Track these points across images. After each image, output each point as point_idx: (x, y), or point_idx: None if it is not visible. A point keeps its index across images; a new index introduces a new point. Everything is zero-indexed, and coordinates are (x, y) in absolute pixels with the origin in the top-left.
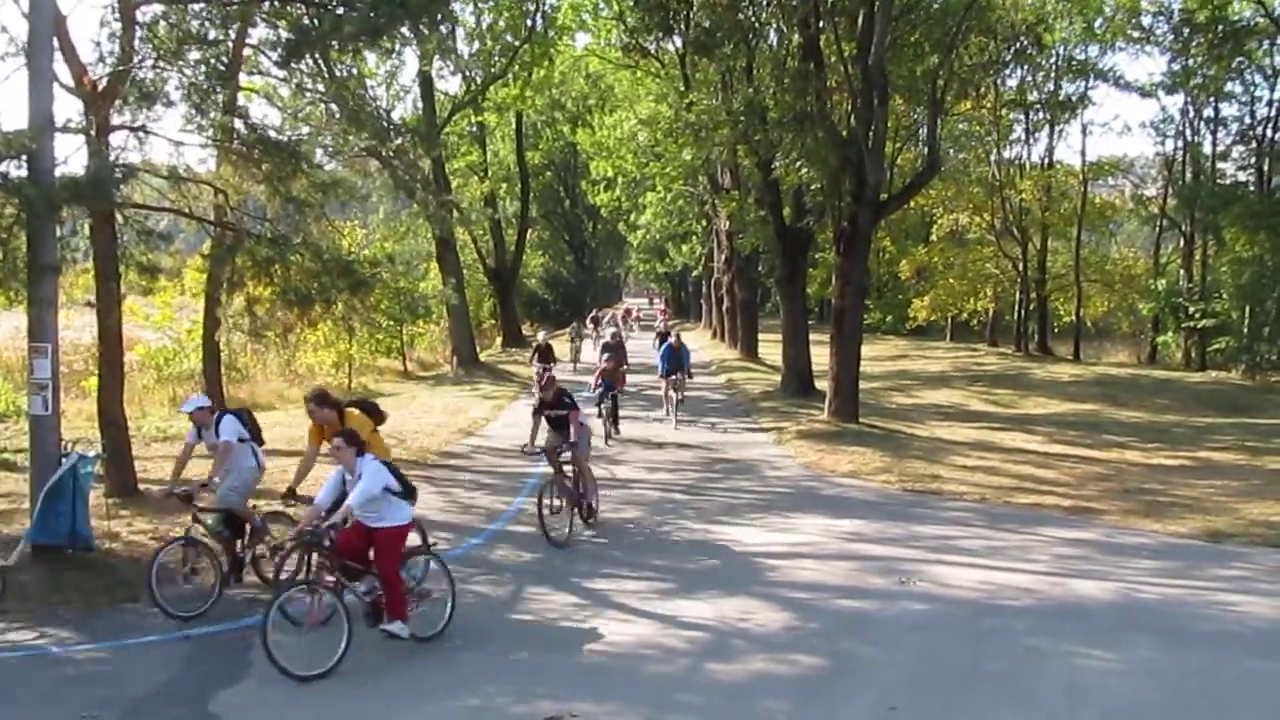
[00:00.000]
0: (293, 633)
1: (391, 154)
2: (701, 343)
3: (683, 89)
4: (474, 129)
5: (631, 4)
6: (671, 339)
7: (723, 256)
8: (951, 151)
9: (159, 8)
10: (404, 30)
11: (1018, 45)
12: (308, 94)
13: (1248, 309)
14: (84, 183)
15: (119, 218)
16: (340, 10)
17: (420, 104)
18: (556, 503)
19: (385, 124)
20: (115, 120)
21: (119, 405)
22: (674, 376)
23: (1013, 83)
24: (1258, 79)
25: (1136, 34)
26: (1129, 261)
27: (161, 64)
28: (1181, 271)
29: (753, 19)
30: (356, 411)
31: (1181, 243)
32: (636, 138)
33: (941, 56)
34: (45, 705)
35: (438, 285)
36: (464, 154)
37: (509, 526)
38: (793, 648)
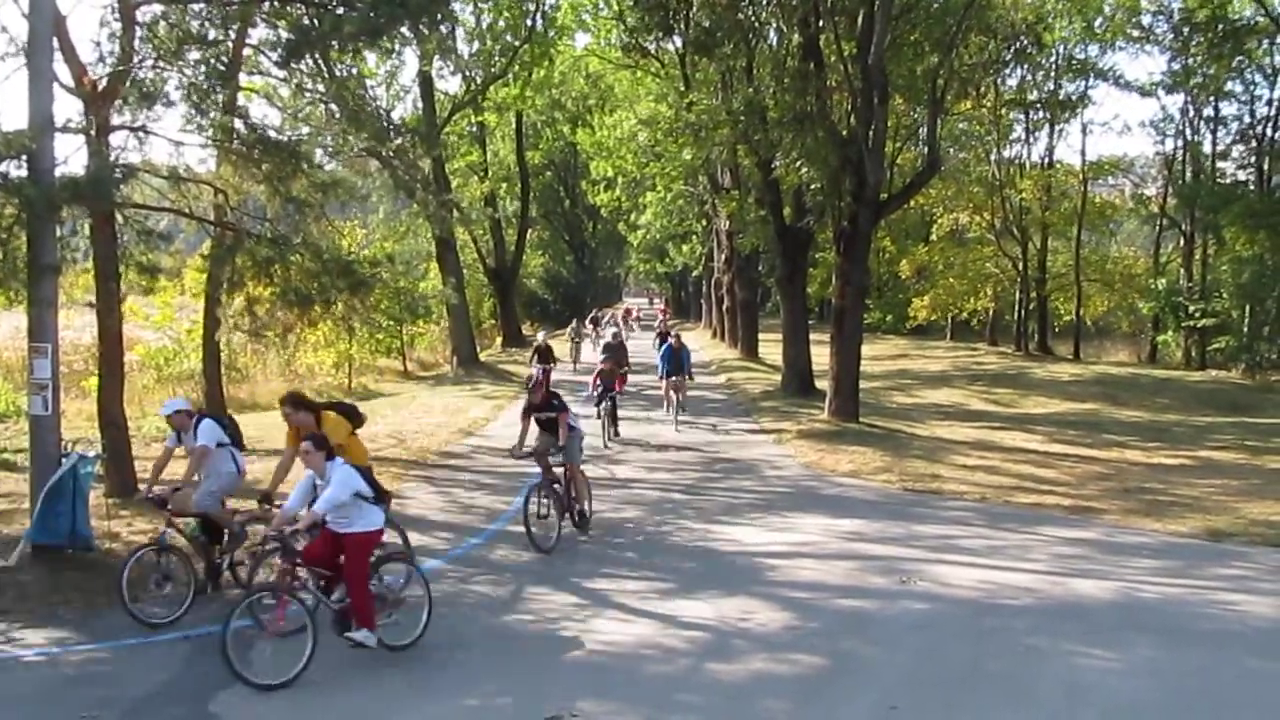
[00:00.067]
0: (255, 641)
1: (391, 154)
2: (701, 342)
3: (683, 89)
4: (474, 129)
5: (631, 4)
6: (671, 339)
7: (723, 256)
8: (951, 151)
9: (159, 8)
10: (404, 30)
11: (1017, 44)
12: (308, 94)
13: (1248, 308)
14: (84, 183)
15: (119, 218)
16: (340, 10)
17: (420, 104)
18: (545, 507)
19: (385, 124)
20: (115, 120)
21: (119, 405)
22: (674, 378)
23: (1013, 82)
24: (1258, 78)
25: (1136, 33)
26: (1129, 261)
27: (161, 64)
28: (1181, 271)
29: (752, 18)
30: (333, 414)
31: (1181, 242)
32: (636, 138)
33: (941, 56)
34: (45, 705)
35: (438, 285)
36: (464, 154)
37: (509, 526)
38: (793, 647)
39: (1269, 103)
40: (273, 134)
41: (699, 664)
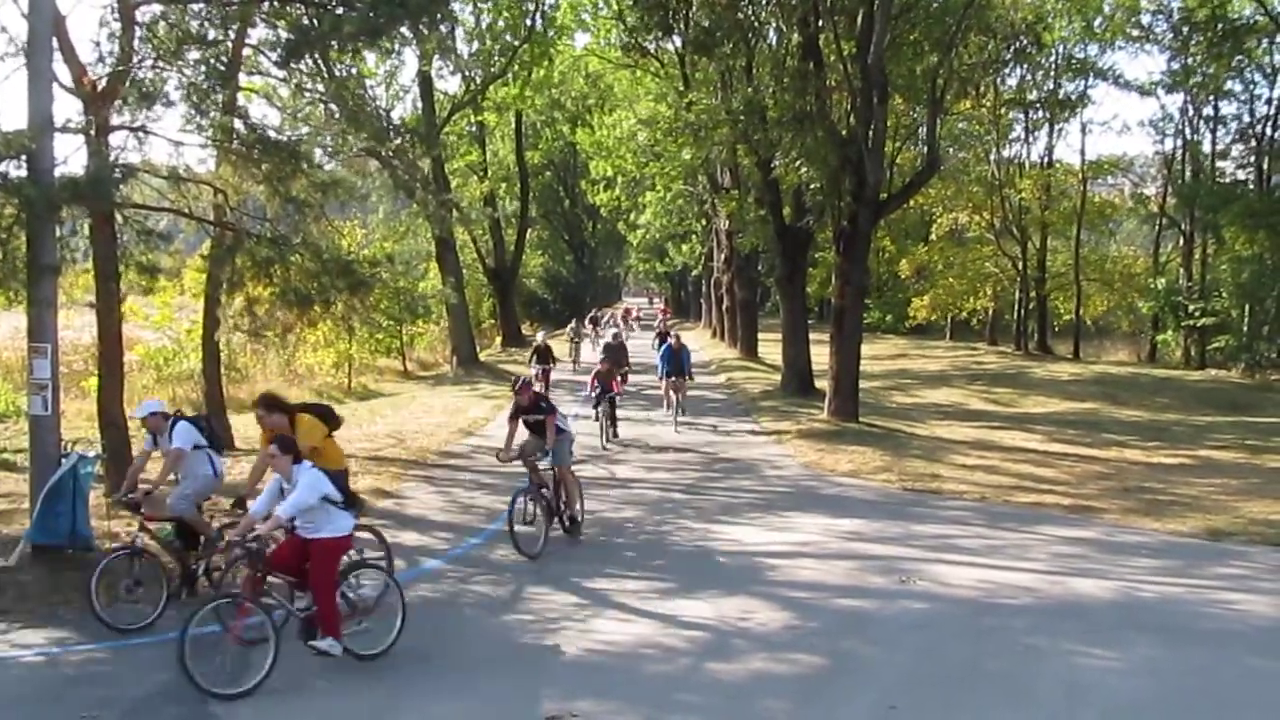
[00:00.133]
0: (216, 648)
1: (391, 154)
2: (701, 342)
3: (682, 88)
4: (473, 129)
5: (631, 3)
6: (671, 340)
7: (722, 256)
8: (951, 150)
9: (158, 8)
10: (404, 30)
11: (1017, 44)
12: (307, 94)
13: (1247, 307)
14: (84, 183)
15: (119, 218)
16: (340, 10)
17: (420, 104)
18: (531, 511)
19: (385, 124)
20: (115, 120)
21: (119, 405)
22: (674, 379)
23: (1012, 81)
24: (1257, 77)
25: (1136, 32)
26: (1128, 260)
27: (161, 64)
28: (1181, 270)
29: (752, 18)
30: (308, 416)
31: (1181, 241)
32: (636, 137)
33: (941, 55)
34: (45, 705)
35: (437, 285)
36: (464, 154)
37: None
38: (793, 647)
39: (1268, 102)
40: (272, 134)
41: (699, 664)
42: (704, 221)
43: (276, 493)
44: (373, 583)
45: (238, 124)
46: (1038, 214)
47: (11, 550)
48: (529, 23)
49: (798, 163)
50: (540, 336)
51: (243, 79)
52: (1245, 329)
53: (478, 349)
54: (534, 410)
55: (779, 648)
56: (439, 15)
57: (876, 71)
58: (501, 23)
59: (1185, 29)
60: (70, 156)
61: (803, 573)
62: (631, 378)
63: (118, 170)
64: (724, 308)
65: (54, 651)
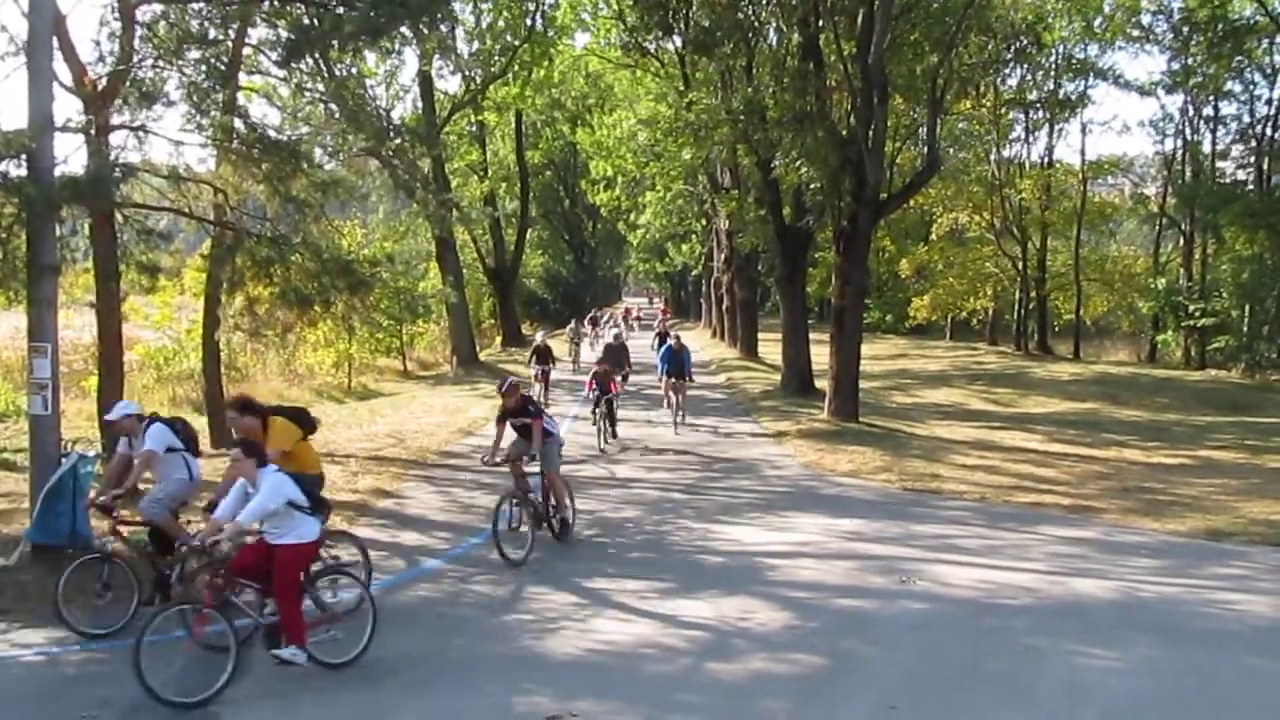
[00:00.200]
0: (172, 656)
1: (391, 153)
2: (701, 342)
3: (682, 88)
4: (474, 128)
5: (631, 3)
6: (671, 340)
7: (722, 256)
8: (951, 150)
9: (159, 7)
10: (404, 30)
11: (1017, 44)
12: (307, 93)
13: (1247, 307)
14: (84, 182)
15: (119, 217)
16: (340, 10)
17: (420, 103)
18: (516, 517)
19: (385, 124)
20: (115, 120)
21: None
22: (675, 380)
23: (1012, 82)
24: (1257, 78)
25: (1136, 33)
26: (1129, 260)
27: (161, 63)
28: (1181, 270)
29: (752, 18)
30: (281, 419)
31: (1181, 241)
32: (636, 137)
33: (941, 55)
34: (45, 705)
35: (437, 285)
36: (464, 154)
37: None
38: (793, 647)
39: (1268, 102)
40: (272, 133)
41: (699, 663)
42: (704, 221)
43: (242, 496)
44: (342, 590)
45: (238, 123)
46: (1038, 214)
47: (12, 550)
48: (529, 22)
49: (798, 163)
50: (540, 337)
51: (243, 78)
52: (1245, 329)
53: (478, 349)
54: (521, 413)
55: (779, 648)
56: (439, 15)
57: (876, 71)
58: (501, 22)
59: (1185, 29)
60: (70, 156)
61: (803, 573)
62: (632, 378)
63: (118, 170)
64: (724, 308)
65: (54, 651)
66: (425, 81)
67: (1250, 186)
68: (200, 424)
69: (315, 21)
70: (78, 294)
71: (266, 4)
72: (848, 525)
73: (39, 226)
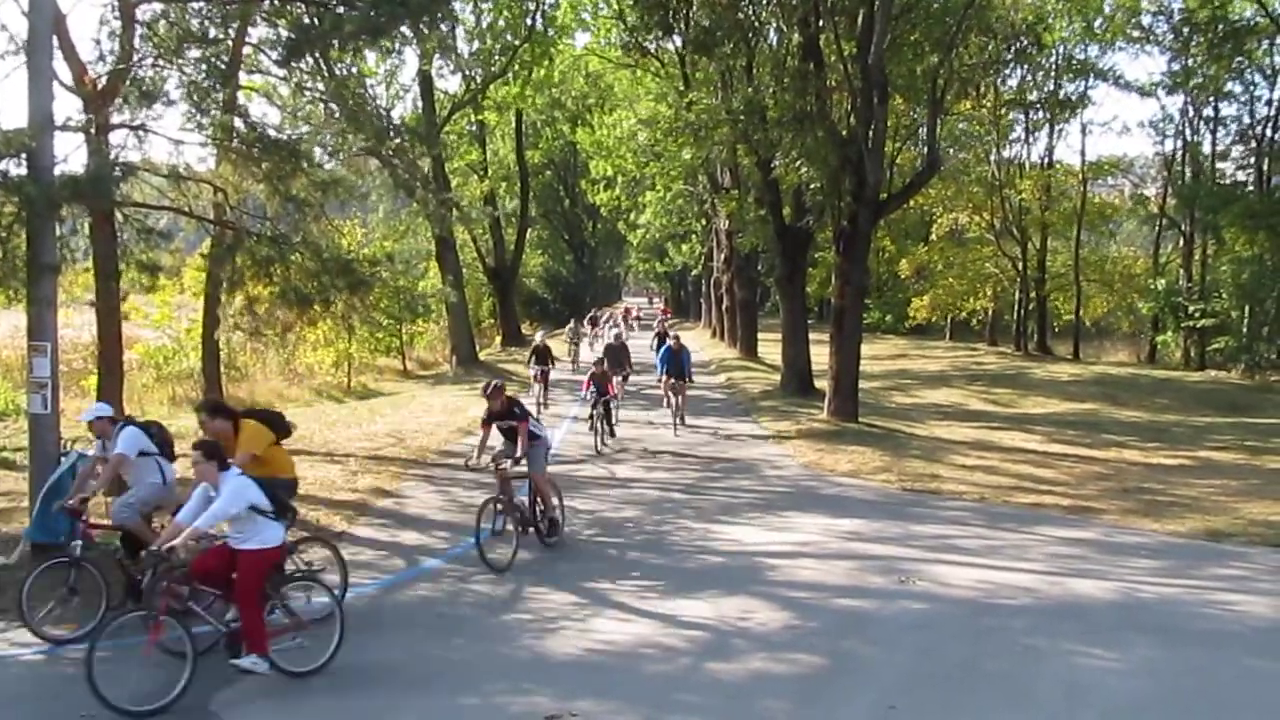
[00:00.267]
0: (127, 663)
1: (391, 153)
2: (701, 342)
3: (682, 88)
4: (474, 128)
5: (631, 3)
6: (671, 340)
7: (722, 256)
8: (951, 151)
9: (159, 6)
10: (404, 29)
11: (1017, 44)
12: (307, 93)
13: (1247, 308)
14: (84, 181)
15: (119, 216)
16: (340, 9)
17: (420, 103)
18: (500, 522)
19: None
20: (115, 119)
21: (118, 404)
22: (674, 381)
23: (1012, 82)
24: (1257, 78)
25: (1136, 33)
26: (1128, 261)
27: (161, 62)
28: (1181, 271)
29: (752, 18)
30: (252, 422)
31: (1181, 242)
32: (636, 137)
33: (941, 56)
34: (45, 704)
35: (437, 284)
36: (464, 153)
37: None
38: (792, 647)
39: (1268, 103)
40: (272, 133)
41: (698, 663)
42: (704, 221)
43: (203, 500)
44: (309, 596)
45: (238, 123)
46: (1038, 214)
47: (12, 549)
48: (529, 22)
49: (798, 163)
50: (539, 337)
51: (243, 78)
52: (1245, 330)
53: (477, 348)
54: (507, 416)
55: (779, 648)
56: (440, 14)
57: (877, 72)
58: (502, 22)
59: (1185, 30)
60: (70, 155)
61: (802, 573)
62: (632, 378)
63: (118, 168)
64: (724, 308)
65: (54, 650)
66: (425, 81)
67: (1250, 187)
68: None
69: (315, 21)
70: (78, 293)
71: (266, 3)
72: (847, 525)
73: (39, 225)
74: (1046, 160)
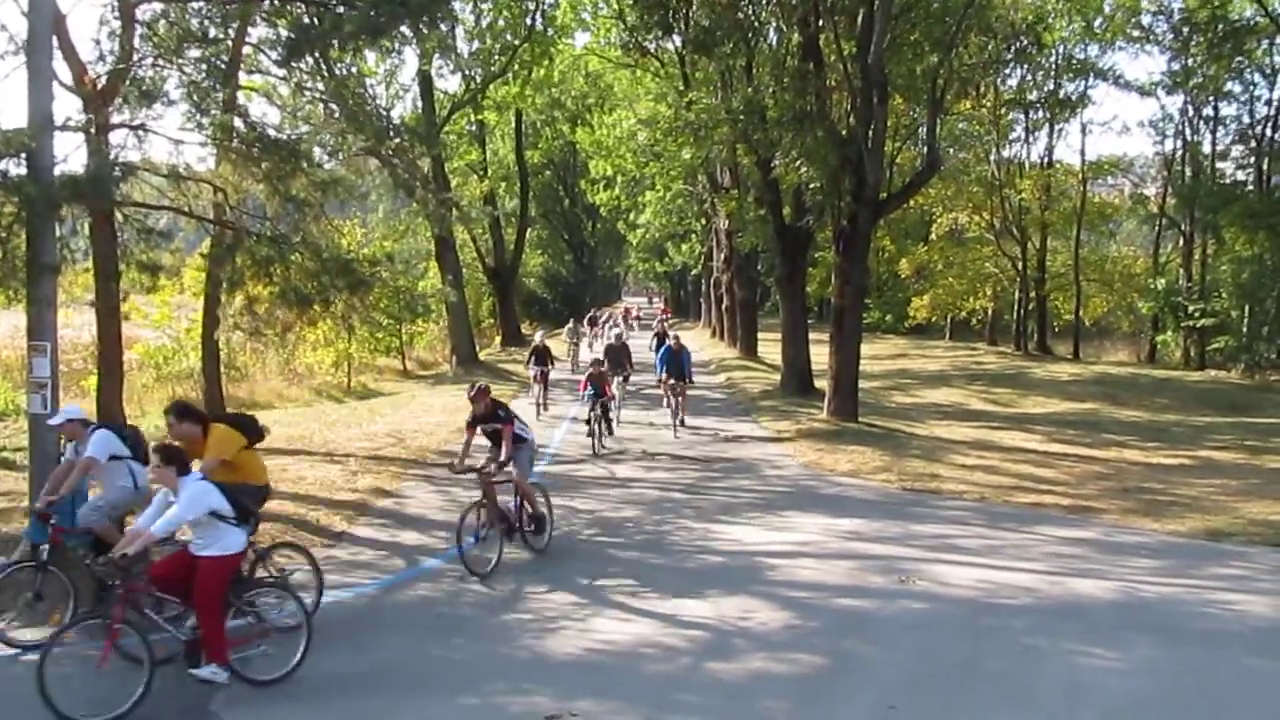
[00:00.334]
0: (79, 671)
1: (391, 153)
2: (701, 342)
3: (682, 88)
4: (473, 128)
5: (631, 3)
6: (670, 341)
7: (722, 255)
8: (951, 150)
9: (159, 6)
10: (404, 29)
11: (1017, 44)
12: (307, 93)
13: (1247, 308)
14: (84, 181)
15: (119, 216)
16: (340, 9)
17: (420, 103)
18: (483, 527)
19: (385, 123)
20: (115, 119)
21: (118, 404)
22: (674, 382)
23: (1012, 82)
24: (1257, 78)
25: (1136, 33)
26: (1128, 261)
27: (161, 62)
28: (1181, 271)
29: (752, 18)
30: (222, 427)
31: (1181, 242)
32: (636, 137)
33: (941, 55)
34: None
35: (437, 284)
36: (463, 153)
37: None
38: (792, 646)
39: (1268, 103)
40: (272, 133)
41: (698, 663)
42: (704, 221)
43: (164, 506)
44: (274, 603)
45: (238, 122)
46: (1037, 214)
47: (12, 549)
48: (529, 22)
49: (797, 162)
50: (539, 337)
51: (243, 77)
52: (1245, 329)
53: (477, 348)
54: (491, 419)
55: (779, 647)
56: (439, 14)
57: (876, 71)
58: (501, 22)
59: (1185, 30)
60: (70, 155)
61: (802, 572)
62: (632, 377)
63: (118, 168)
64: (723, 307)
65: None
66: (425, 81)
67: (1250, 187)
68: None
69: (315, 21)
70: (77, 293)
71: (266, 3)
72: (847, 525)
73: (39, 225)
74: (1046, 160)
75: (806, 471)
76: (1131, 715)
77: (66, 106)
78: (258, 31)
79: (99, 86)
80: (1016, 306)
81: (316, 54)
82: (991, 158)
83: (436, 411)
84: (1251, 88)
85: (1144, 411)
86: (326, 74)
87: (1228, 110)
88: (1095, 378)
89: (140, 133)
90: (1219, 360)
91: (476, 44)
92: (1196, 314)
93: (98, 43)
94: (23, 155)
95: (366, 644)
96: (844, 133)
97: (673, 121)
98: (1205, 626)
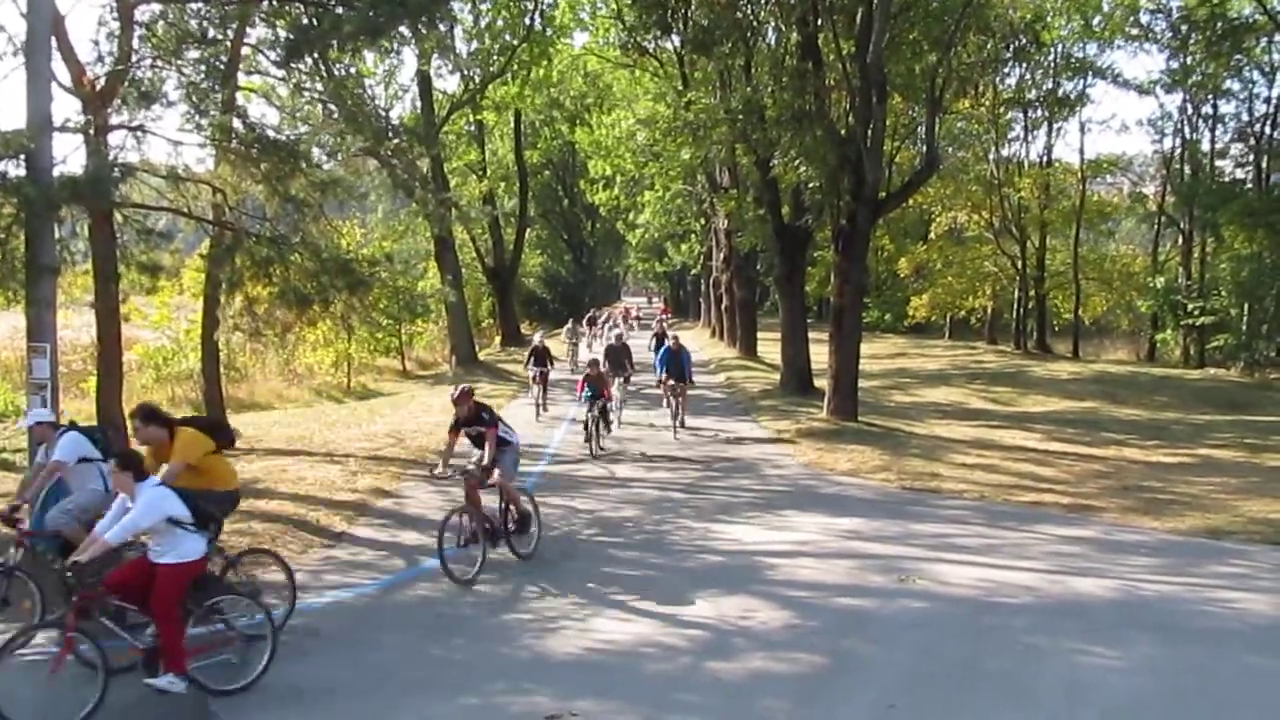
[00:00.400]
0: (32, 678)
1: (390, 153)
2: (700, 342)
3: (681, 88)
4: (472, 128)
5: (630, 2)
6: (670, 341)
7: (721, 255)
8: (950, 149)
9: (157, 7)
10: (403, 29)
11: (1016, 43)
12: (306, 93)
13: (1246, 306)
14: (83, 182)
15: (118, 217)
16: (339, 10)
17: (419, 103)
18: (466, 533)
19: (383, 123)
20: (114, 120)
21: (118, 405)
22: (674, 383)
23: (1011, 80)
24: (1256, 76)
25: (1135, 31)
26: (1127, 259)
27: (160, 63)
28: (1180, 269)
29: (751, 17)
30: (189, 430)
31: (1180, 240)
32: (635, 137)
33: (940, 54)
34: (46, 705)
35: (436, 284)
36: (462, 153)
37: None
38: (792, 646)
39: (1267, 101)
40: (271, 133)
41: (698, 663)
42: (703, 221)
43: (122, 512)
44: (238, 611)
45: (237, 123)
46: (1037, 213)
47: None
48: (528, 22)
49: (796, 162)
50: (538, 337)
51: (242, 78)
52: (1244, 327)
53: (477, 348)
54: (475, 422)
55: (779, 647)
56: (438, 14)
57: (875, 70)
58: (500, 22)
59: (1184, 28)
60: (69, 156)
61: (802, 572)
62: (633, 378)
63: (117, 169)
64: (723, 307)
65: (54, 650)
66: (424, 81)
67: (1249, 185)
68: None
69: (314, 21)
70: (77, 294)
71: (265, 4)
72: (847, 524)
73: (38, 226)
74: (1045, 158)
75: (806, 471)
76: (1132, 714)
77: (65, 108)
78: (256, 32)
79: (98, 88)
80: (1016, 305)
81: (315, 54)
82: (990, 157)
83: (436, 411)
84: (1250, 86)
85: (1143, 410)
86: (325, 74)
87: (1226, 108)
88: (1095, 376)
89: (139, 134)
90: (1218, 358)
91: (475, 44)
92: (1196, 312)
93: (96, 44)
94: (22, 156)
95: (366, 644)
96: (843, 132)
97: (671, 121)
98: (1205, 625)
